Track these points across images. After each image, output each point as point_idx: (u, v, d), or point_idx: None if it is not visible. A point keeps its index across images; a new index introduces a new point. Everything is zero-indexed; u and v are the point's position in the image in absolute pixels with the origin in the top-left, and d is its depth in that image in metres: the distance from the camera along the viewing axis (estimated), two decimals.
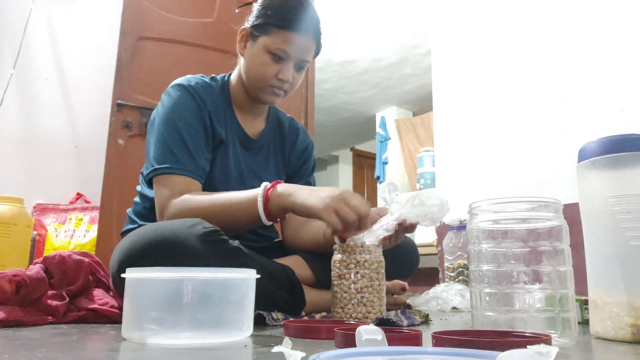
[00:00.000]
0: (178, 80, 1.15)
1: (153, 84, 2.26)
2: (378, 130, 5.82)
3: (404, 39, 4.37)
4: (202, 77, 1.19)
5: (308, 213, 0.93)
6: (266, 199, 0.97)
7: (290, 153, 1.31)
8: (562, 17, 1.97)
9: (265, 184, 0.99)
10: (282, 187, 0.98)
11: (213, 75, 1.23)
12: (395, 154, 5.66)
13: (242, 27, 1.16)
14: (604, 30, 1.83)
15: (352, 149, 7.40)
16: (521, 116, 2.08)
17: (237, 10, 1.23)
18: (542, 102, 2.01)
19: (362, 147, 7.32)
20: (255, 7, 1.14)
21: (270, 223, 1.01)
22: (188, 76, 1.17)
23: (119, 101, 2.19)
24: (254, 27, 1.12)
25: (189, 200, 1.01)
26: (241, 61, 1.18)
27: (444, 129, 2.45)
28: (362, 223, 0.91)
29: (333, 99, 5.65)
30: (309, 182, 1.34)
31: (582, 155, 0.79)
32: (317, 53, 1.17)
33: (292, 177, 1.32)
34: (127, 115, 2.22)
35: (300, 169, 1.33)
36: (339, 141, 7.16)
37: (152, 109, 2.23)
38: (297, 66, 1.13)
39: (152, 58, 2.30)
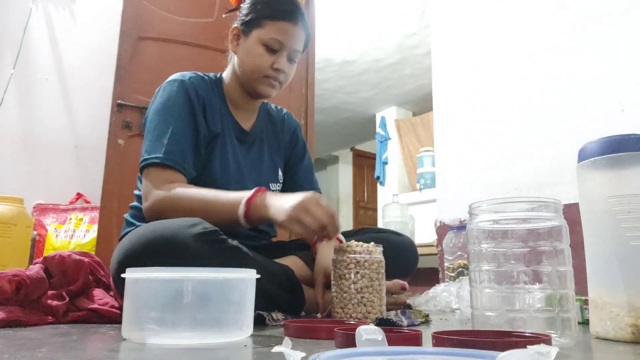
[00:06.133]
0: (174, 76, 1.17)
1: (153, 84, 2.25)
2: (378, 130, 5.81)
3: (404, 39, 4.37)
4: (196, 72, 1.21)
5: (277, 224, 0.96)
6: (247, 207, 0.98)
7: (282, 138, 1.35)
8: (563, 17, 1.97)
9: (247, 194, 0.99)
10: (260, 198, 0.99)
11: (206, 73, 1.25)
12: (395, 154, 5.66)
13: (233, 26, 1.19)
14: (604, 30, 1.83)
15: (352, 149, 7.40)
16: (521, 116, 2.07)
17: (224, 16, 1.27)
18: (542, 102, 2.00)
19: (362, 147, 7.32)
20: (244, 5, 1.17)
21: (254, 226, 1.04)
22: (183, 72, 1.19)
23: (119, 101, 2.19)
24: (245, 23, 1.16)
25: (175, 192, 1.03)
26: (234, 59, 1.21)
27: (444, 129, 2.45)
28: (328, 229, 0.92)
29: (333, 99, 5.65)
30: (306, 165, 1.36)
31: (582, 155, 0.79)
32: (306, 44, 1.20)
33: (288, 162, 1.35)
34: (127, 115, 2.22)
35: (293, 151, 1.36)
36: (339, 141, 7.16)
37: None
38: (289, 57, 1.16)
39: (152, 58, 2.30)
